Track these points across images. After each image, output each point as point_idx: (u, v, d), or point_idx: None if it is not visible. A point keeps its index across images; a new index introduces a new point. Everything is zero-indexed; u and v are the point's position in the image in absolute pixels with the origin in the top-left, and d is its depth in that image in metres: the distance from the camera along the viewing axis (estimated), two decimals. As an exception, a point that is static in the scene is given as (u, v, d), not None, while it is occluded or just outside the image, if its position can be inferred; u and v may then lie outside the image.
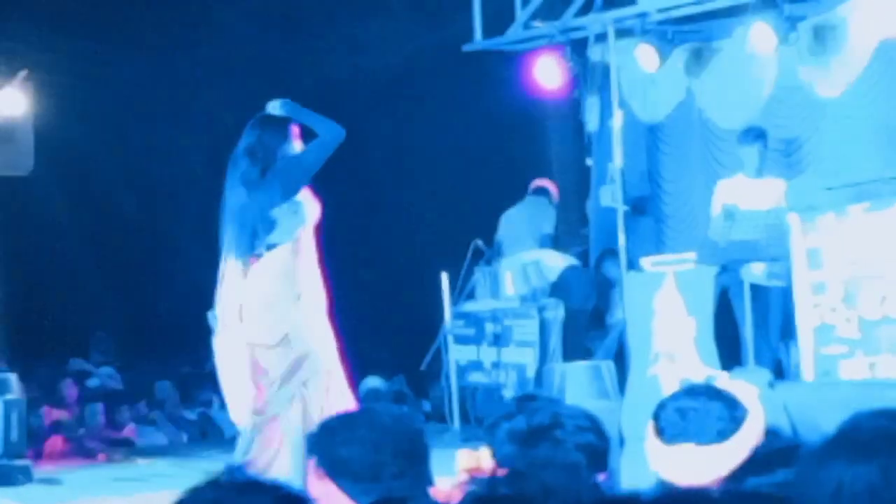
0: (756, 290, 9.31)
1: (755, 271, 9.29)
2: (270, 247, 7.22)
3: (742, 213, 9.53)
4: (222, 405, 12.55)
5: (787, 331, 9.50)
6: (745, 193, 9.87)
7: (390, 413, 3.37)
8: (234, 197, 7.31)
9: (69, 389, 12.70)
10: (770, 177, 9.89)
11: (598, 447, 3.21)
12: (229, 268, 7.34)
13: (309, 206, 7.30)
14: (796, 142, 10.80)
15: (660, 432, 3.41)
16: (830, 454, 2.46)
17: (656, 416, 3.45)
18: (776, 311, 9.45)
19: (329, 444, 3.26)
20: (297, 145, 7.32)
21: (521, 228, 11.65)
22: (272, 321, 7.14)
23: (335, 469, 3.21)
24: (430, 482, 3.15)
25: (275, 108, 7.31)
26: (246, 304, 7.23)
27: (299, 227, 7.23)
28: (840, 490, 2.36)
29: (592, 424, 3.20)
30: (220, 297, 7.37)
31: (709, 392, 3.54)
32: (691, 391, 3.58)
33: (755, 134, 9.96)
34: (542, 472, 2.82)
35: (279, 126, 7.31)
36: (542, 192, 11.90)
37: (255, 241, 7.23)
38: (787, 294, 9.45)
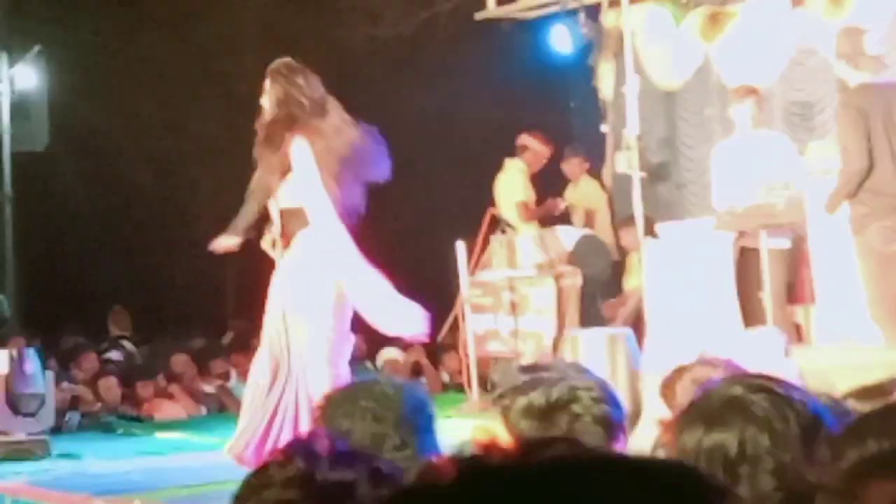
0: (756, 253, 9.28)
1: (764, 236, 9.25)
2: None
3: (754, 179, 9.50)
4: (239, 378, 12.55)
5: (800, 295, 9.46)
6: (746, 153, 9.84)
7: (393, 384, 3.33)
8: None
9: (88, 363, 12.70)
10: (765, 131, 9.92)
11: (614, 418, 3.16)
12: None
13: None
14: (818, 105, 10.73)
15: (668, 400, 3.40)
16: (690, 420, 2.54)
17: (669, 382, 3.43)
18: (774, 275, 9.40)
19: (332, 416, 3.24)
20: None
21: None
22: None
23: (341, 440, 3.18)
24: (436, 453, 3.11)
25: None
26: None
27: None
28: (698, 456, 2.43)
29: (607, 394, 3.15)
30: None
31: (726, 365, 3.52)
32: (705, 363, 3.57)
33: (750, 91, 10.00)
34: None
35: None
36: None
37: None
38: (789, 257, 9.43)
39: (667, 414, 3.43)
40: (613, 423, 3.11)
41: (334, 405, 3.27)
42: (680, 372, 3.54)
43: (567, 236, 11.14)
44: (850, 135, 8.13)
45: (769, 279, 9.16)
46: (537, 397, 3.07)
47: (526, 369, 3.24)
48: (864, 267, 8.28)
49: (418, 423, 3.17)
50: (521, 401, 3.09)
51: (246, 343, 12.76)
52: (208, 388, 12.68)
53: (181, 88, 16.82)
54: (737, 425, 2.51)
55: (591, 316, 10.57)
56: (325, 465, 2.04)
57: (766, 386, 2.63)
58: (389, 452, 2.97)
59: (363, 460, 2.10)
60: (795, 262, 9.49)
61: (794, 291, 9.40)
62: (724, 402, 2.57)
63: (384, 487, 2.01)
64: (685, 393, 3.41)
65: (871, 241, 8.14)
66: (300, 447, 2.10)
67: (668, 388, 3.51)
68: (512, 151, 11.64)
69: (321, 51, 16.06)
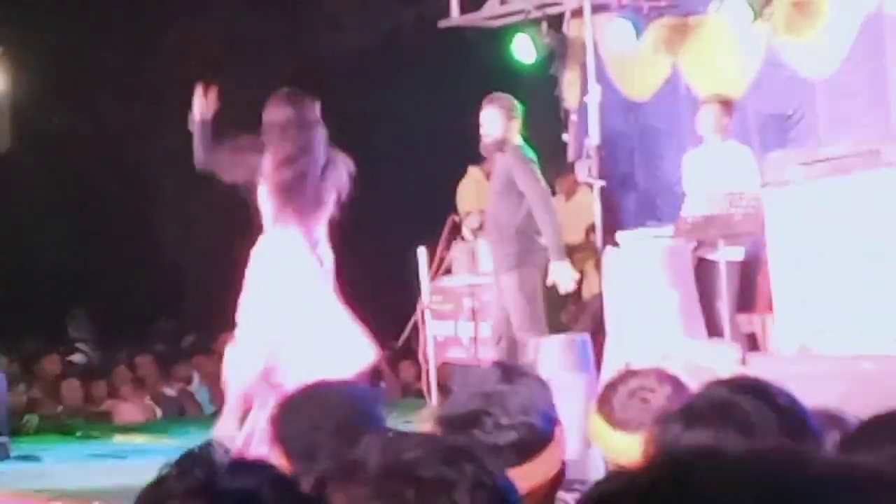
0: (715, 262, 9.36)
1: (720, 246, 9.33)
2: None
3: (716, 189, 9.59)
4: (202, 381, 12.54)
5: (754, 304, 9.55)
6: (711, 163, 9.94)
7: (340, 391, 3.30)
8: None
9: (49, 366, 12.67)
10: (732, 141, 10.02)
11: (526, 440, 2.98)
12: None
13: None
14: (794, 116, 10.83)
15: (607, 415, 3.39)
16: (673, 418, 2.59)
17: (606, 397, 3.43)
18: (733, 284, 9.48)
19: (279, 420, 3.22)
20: None
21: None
22: None
23: (283, 447, 3.19)
24: None
25: None
26: None
27: None
28: None
29: (524, 418, 2.94)
30: None
31: (658, 374, 3.52)
32: (639, 373, 3.55)
33: (720, 102, 10.12)
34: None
35: None
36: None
37: None
38: (749, 267, 9.52)
39: (599, 427, 3.40)
40: (526, 445, 2.94)
41: (284, 409, 3.27)
42: (615, 384, 3.51)
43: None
44: None
45: (726, 289, 9.25)
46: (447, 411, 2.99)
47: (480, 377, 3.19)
48: None
49: (361, 432, 3.13)
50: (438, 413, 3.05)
51: (207, 347, 12.77)
52: (170, 392, 12.68)
53: (146, 93, 16.78)
54: (715, 425, 2.55)
55: (552, 322, 10.62)
56: (224, 475, 2.00)
57: (752, 387, 2.66)
58: (322, 461, 2.89)
59: (263, 468, 2.08)
60: (752, 272, 9.57)
61: (751, 301, 9.48)
62: (708, 401, 2.61)
63: (288, 496, 2.00)
64: (622, 406, 3.40)
65: None
66: (197, 457, 2.05)
67: (604, 402, 3.47)
68: (475, 159, 11.69)
69: (285, 58, 16.09)
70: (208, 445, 2.07)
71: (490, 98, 9.55)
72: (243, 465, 2.06)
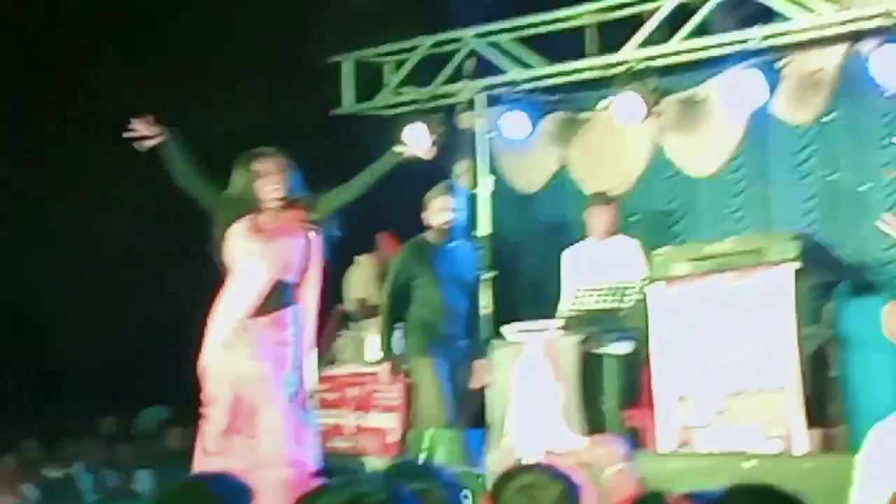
0: (600, 357, 9.41)
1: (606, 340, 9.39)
2: None
3: (599, 283, 9.66)
4: (88, 467, 12.33)
5: (637, 399, 9.60)
6: (595, 258, 10.03)
7: (221, 484, 3.29)
8: None
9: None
10: (617, 236, 10.12)
11: None
12: None
13: None
14: (675, 214, 10.97)
15: None
16: None
17: (495, 493, 3.42)
18: (617, 379, 9.53)
19: None
20: None
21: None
22: None
23: None
24: None
25: None
26: None
27: None
28: None
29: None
30: None
31: (548, 471, 3.52)
32: (529, 469, 3.57)
33: (604, 197, 10.23)
34: None
35: None
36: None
37: None
38: (632, 362, 9.59)
39: None
40: None
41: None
42: (504, 480, 3.52)
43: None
44: None
45: (609, 383, 9.29)
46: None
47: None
48: None
49: None
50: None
51: (91, 428, 12.55)
52: (54, 474, 12.37)
53: (36, 164, 16.46)
54: None
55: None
56: None
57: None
58: None
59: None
60: (636, 366, 9.62)
61: (635, 396, 9.51)
62: None
63: None
64: (511, 502, 3.40)
65: None
66: None
67: (493, 498, 3.48)
68: (366, 247, 11.70)
69: (179, 136, 15.95)
70: None
71: (449, 185, 9.61)
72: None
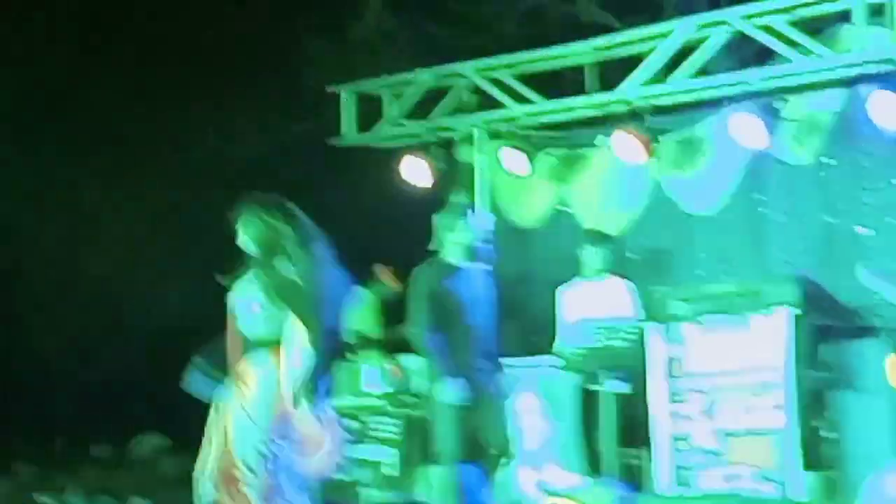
0: (597, 395, 9.42)
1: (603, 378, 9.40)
2: None
3: (597, 320, 9.68)
4: (79, 492, 12.30)
5: (633, 438, 9.63)
6: (590, 297, 10.06)
7: None
8: None
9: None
10: (610, 276, 10.16)
11: None
12: None
13: None
14: (671, 253, 10.99)
15: None
16: None
17: None
18: (614, 418, 9.52)
19: None
20: None
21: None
22: None
23: None
24: None
25: None
26: None
27: None
28: None
29: None
30: None
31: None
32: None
33: (600, 236, 10.26)
34: None
35: None
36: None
37: None
38: (629, 400, 9.61)
39: None
40: None
41: None
42: None
43: (414, 365, 11.15)
44: None
45: (607, 421, 9.31)
46: None
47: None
48: None
49: None
50: None
51: (82, 453, 12.54)
52: (45, 500, 12.35)
53: (19, 192, 16.48)
54: None
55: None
56: None
57: None
58: None
59: None
60: (634, 406, 9.64)
61: (633, 435, 9.54)
62: None
63: None
64: None
65: None
66: None
67: None
68: (364, 277, 11.70)
69: (169, 162, 15.99)
70: None
71: (462, 205, 9.44)
72: None
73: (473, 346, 8.68)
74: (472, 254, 8.88)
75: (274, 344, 6.70)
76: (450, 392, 8.50)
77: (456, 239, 8.78)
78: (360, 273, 11.73)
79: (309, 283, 6.81)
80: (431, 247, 9.04)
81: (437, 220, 9.01)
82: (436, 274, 8.75)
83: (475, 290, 8.78)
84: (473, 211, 9.39)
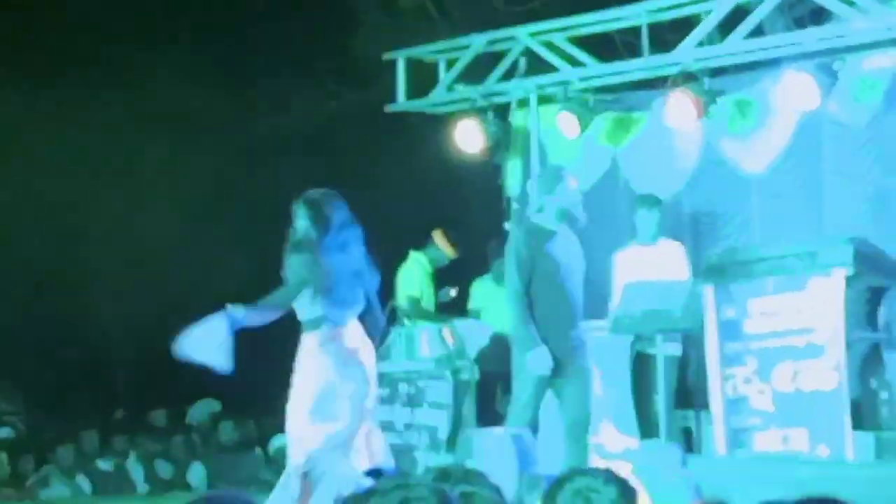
0: (652, 358, 9.40)
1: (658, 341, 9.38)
2: None
3: (652, 283, 9.65)
4: (138, 458, 12.45)
5: (688, 400, 9.60)
6: (645, 261, 10.04)
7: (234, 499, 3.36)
8: None
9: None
10: (664, 239, 10.13)
11: None
12: None
13: None
14: (725, 216, 10.93)
15: None
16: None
17: (549, 495, 3.47)
18: (669, 381, 9.51)
19: None
20: None
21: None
22: None
23: None
24: None
25: None
26: None
27: None
28: None
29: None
30: None
31: (604, 474, 3.57)
32: (584, 472, 3.61)
33: (653, 200, 10.23)
34: None
35: None
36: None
37: None
38: (682, 363, 9.58)
39: None
40: None
41: None
42: (561, 483, 3.56)
43: (467, 330, 11.19)
44: None
45: (663, 384, 9.30)
46: None
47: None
48: None
49: None
50: None
51: (140, 422, 12.67)
52: (105, 466, 12.53)
53: (83, 165, 16.67)
54: None
55: (487, 413, 10.62)
56: None
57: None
58: None
59: None
60: (689, 368, 9.63)
61: (688, 398, 9.54)
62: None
63: None
64: None
65: None
66: None
67: (549, 499, 3.54)
68: (419, 243, 11.74)
69: (228, 136, 16.10)
70: None
71: (558, 168, 9.37)
72: None
73: (566, 313, 8.54)
74: (569, 218, 8.78)
75: None
76: (541, 362, 8.41)
77: (555, 202, 8.68)
78: (416, 239, 11.80)
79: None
80: (527, 214, 8.84)
81: (533, 183, 8.93)
82: (533, 238, 8.61)
83: (570, 255, 8.70)
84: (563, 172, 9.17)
